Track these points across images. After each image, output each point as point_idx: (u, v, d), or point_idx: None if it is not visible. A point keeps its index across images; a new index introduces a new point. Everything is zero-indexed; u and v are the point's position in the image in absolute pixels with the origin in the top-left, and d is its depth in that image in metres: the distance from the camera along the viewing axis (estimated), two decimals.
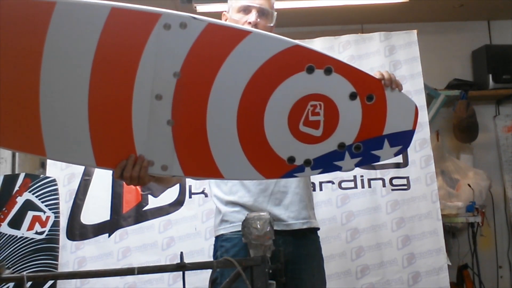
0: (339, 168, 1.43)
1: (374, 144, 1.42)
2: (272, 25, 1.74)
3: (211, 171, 1.37)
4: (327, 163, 1.41)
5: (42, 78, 1.23)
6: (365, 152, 1.42)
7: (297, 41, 1.40)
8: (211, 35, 1.29)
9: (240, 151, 1.36)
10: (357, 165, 1.44)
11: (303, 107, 1.36)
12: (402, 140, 1.44)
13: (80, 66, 1.24)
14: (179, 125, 1.31)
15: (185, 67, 1.28)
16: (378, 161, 1.45)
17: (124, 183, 2.39)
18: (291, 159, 1.38)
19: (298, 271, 1.70)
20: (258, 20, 1.68)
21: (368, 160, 1.44)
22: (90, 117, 1.26)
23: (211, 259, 1.77)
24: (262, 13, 1.70)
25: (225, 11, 1.81)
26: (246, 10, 1.70)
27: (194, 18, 1.28)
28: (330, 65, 1.36)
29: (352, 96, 1.38)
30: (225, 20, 1.77)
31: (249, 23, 1.67)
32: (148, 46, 1.25)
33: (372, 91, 1.40)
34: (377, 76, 1.42)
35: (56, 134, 1.26)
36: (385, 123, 1.41)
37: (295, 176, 1.46)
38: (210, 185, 1.82)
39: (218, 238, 1.74)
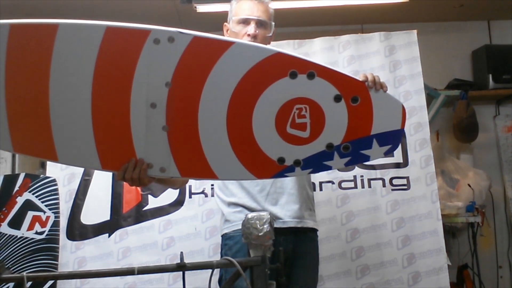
0: (329, 168, 1.49)
1: (363, 144, 1.46)
2: (270, 35, 1.84)
3: (205, 172, 1.46)
4: (316, 163, 1.46)
5: (51, 92, 1.37)
6: (354, 151, 1.46)
7: (278, 49, 1.45)
8: (197, 47, 1.40)
9: (231, 153, 1.44)
10: (347, 164, 1.49)
11: (289, 111, 1.44)
12: (391, 139, 1.48)
13: (83, 80, 1.38)
14: (173, 130, 1.42)
15: (176, 77, 1.39)
16: (368, 160, 1.50)
17: (126, 183, 2.46)
18: (281, 160, 1.45)
19: (294, 267, 1.80)
20: (257, 31, 1.78)
21: (357, 159, 1.49)
22: (94, 126, 1.39)
23: (211, 259, 1.81)
24: (261, 24, 1.80)
25: (226, 23, 1.90)
26: (245, 22, 1.80)
27: (181, 32, 1.39)
28: (313, 70, 1.42)
29: (337, 99, 1.44)
30: (226, 31, 1.89)
31: (249, 35, 1.77)
32: (141, 60, 1.37)
33: (356, 93, 1.45)
34: (361, 78, 1.46)
35: (65, 142, 1.41)
36: (372, 123, 1.46)
37: (286, 176, 1.52)
38: (214, 189, 1.98)
39: (222, 237, 1.87)
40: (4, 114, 1.37)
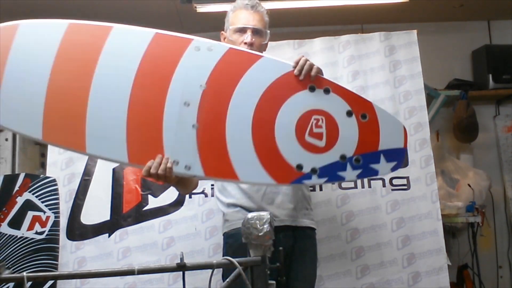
0: (342, 179, 1.60)
1: (372, 158, 1.59)
2: (266, 42, 1.93)
3: (228, 173, 1.55)
4: (331, 173, 1.57)
5: (93, 85, 1.50)
6: (365, 165, 1.58)
7: None
8: (231, 57, 1.59)
9: (254, 156, 1.54)
10: (359, 176, 1.59)
11: (308, 120, 1.57)
12: (396, 156, 1.61)
13: (125, 76, 1.52)
14: (202, 129, 1.53)
15: (210, 81, 1.55)
16: (377, 174, 1.61)
17: (126, 184, 2.44)
18: (299, 167, 1.56)
19: (293, 262, 1.85)
20: (253, 39, 1.86)
21: (368, 173, 1.60)
22: (128, 118, 1.50)
23: (211, 259, 1.82)
24: (256, 32, 1.88)
25: (223, 31, 1.98)
26: (242, 31, 1.89)
27: (219, 44, 1.61)
28: (328, 86, 1.62)
29: (349, 114, 1.60)
30: (223, 39, 1.97)
31: (245, 43, 1.85)
32: (181, 63, 1.54)
33: (365, 110, 1.61)
34: (293, 63, 1.62)
35: (97, 132, 1.49)
36: (379, 139, 1.60)
37: (304, 183, 1.63)
38: (214, 191, 2.06)
39: (223, 236, 1.96)
40: (41, 103, 1.45)
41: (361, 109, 1.61)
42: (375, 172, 1.59)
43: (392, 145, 1.60)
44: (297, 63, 1.64)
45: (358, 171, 1.57)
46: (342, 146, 1.57)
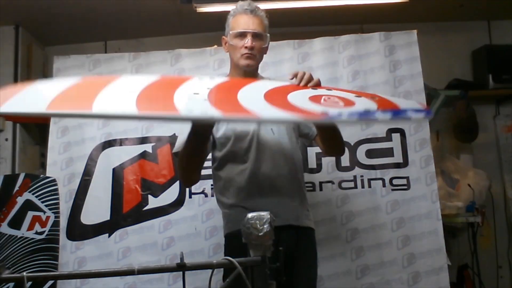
0: (375, 119, 1.58)
1: (398, 111, 1.58)
2: (266, 45, 1.97)
3: (246, 112, 1.48)
4: (361, 114, 1.49)
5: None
6: (394, 112, 1.54)
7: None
8: (231, 80, 1.79)
9: (273, 107, 1.49)
10: (392, 117, 1.54)
11: (319, 98, 1.58)
12: (422, 111, 1.59)
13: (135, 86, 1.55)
14: (213, 103, 1.52)
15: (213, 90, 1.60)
16: (409, 119, 1.68)
17: (126, 184, 2.56)
18: (325, 112, 1.51)
19: (296, 261, 1.86)
20: (254, 43, 1.90)
21: (400, 115, 1.57)
22: (138, 97, 1.46)
23: (211, 259, 1.82)
24: (256, 36, 1.92)
25: (224, 36, 2.00)
26: (242, 35, 1.92)
27: (219, 77, 1.78)
28: (329, 88, 1.70)
29: (357, 96, 1.62)
30: (225, 44, 2.00)
31: (246, 47, 1.90)
32: (187, 83, 1.62)
33: (371, 96, 1.63)
34: (290, 76, 1.72)
35: (107, 96, 1.45)
36: (398, 105, 1.64)
37: (334, 121, 1.64)
38: (215, 193, 2.04)
39: (225, 238, 1.97)
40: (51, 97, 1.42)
41: (368, 96, 1.64)
42: (408, 117, 1.57)
43: (413, 107, 1.61)
44: (295, 74, 1.73)
45: (390, 114, 1.50)
46: (363, 105, 1.54)
